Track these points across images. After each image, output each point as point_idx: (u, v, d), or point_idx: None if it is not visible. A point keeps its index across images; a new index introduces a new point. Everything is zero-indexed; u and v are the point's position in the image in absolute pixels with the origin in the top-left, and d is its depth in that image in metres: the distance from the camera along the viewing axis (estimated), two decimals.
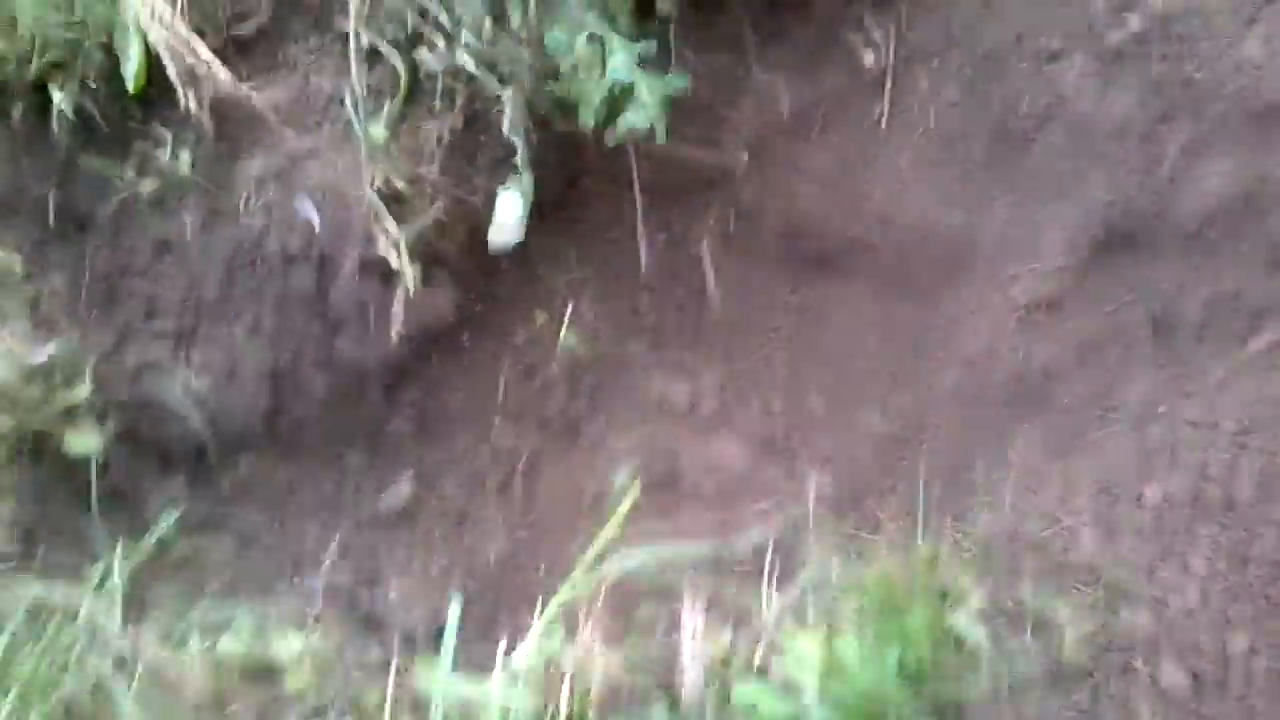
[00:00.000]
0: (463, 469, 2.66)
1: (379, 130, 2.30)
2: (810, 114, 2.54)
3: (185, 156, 2.40)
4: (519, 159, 2.41)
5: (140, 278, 2.45)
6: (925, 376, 2.33)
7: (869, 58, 2.46)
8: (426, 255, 2.43)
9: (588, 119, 2.30)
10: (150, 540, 1.96)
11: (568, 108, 2.36)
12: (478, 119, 2.47)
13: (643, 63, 2.22)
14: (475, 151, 2.53)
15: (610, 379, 2.76)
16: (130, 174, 2.42)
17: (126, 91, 2.34)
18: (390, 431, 2.64)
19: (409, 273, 2.26)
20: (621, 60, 2.19)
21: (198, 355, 2.42)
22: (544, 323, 2.84)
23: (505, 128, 2.36)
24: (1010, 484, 1.67)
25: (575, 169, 2.66)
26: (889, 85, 2.46)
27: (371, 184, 2.29)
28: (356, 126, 2.30)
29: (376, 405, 2.60)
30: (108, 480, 2.26)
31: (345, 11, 2.31)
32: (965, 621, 1.40)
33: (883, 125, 2.46)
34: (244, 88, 2.32)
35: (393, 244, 2.27)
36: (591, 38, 2.21)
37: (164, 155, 2.40)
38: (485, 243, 2.53)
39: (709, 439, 2.55)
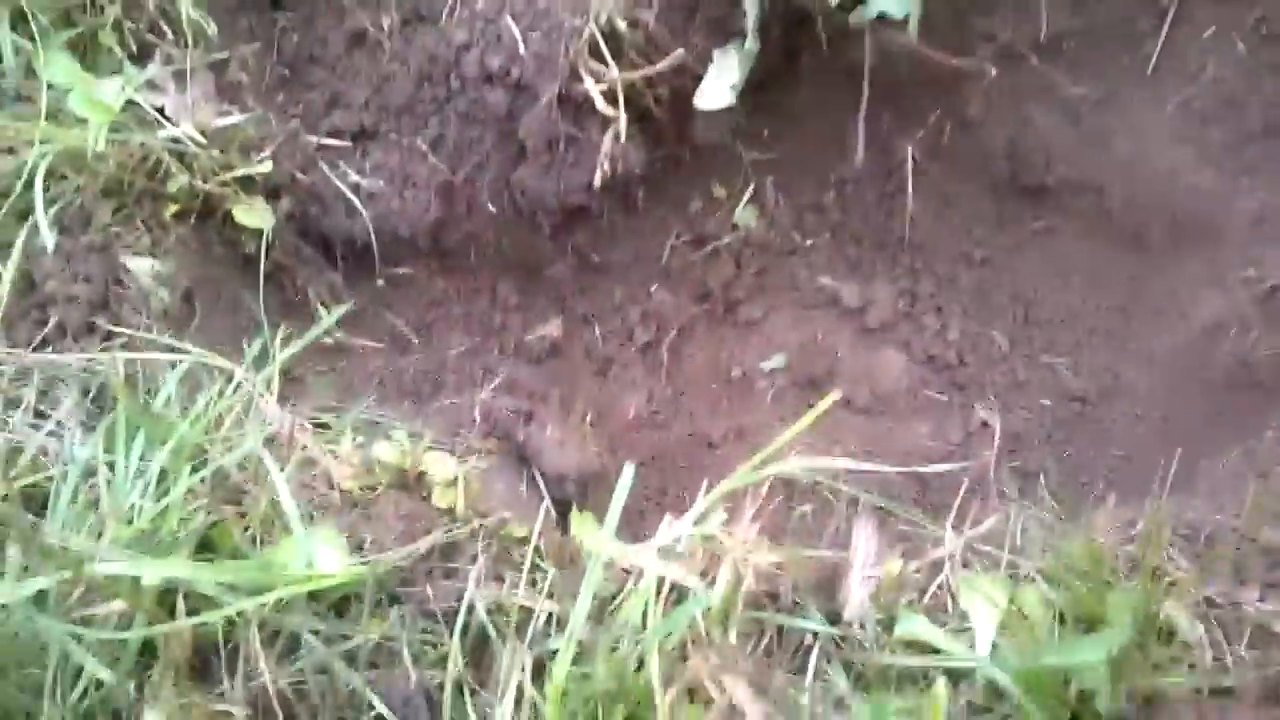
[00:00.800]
0: (614, 322, 2.58)
1: None
2: (1071, 37, 2.30)
3: None
4: (749, 21, 2.23)
5: (329, 69, 2.37)
6: (1133, 339, 2.15)
7: None
8: (627, 103, 2.29)
9: None
10: (314, 333, 1.91)
11: None
12: None
13: None
14: (697, 5, 2.35)
15: (779, 266, 2.63)
16: None
17: None
18: (549, 273, 2.56)
19: (622, 118, 2.12)
20: None
21: (376, 155, 2.34)
22: (721, 196, 2.71)
23: None
24: (1241, 477, 1.52)
25: (800, 45, 2.47)
26: (1167, 23, 2.20)
27: (596, 19, 2.14)
28: None
29: (541, 243, 2.51)
30: (271, 260, 2.22)
31: None
32: (1178, 613, 1.28)
33: (1151, 66, 2.21)
34: None
35: (605, 86, 2.13)
36: None
37: None
38: (688, 101, 2.37)
39: (875, 348, 2.42)
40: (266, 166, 2.18)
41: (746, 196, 2.68)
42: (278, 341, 1.88)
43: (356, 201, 2.29)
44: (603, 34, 2.19)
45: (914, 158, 2.57)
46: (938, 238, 2.51)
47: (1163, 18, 2.20)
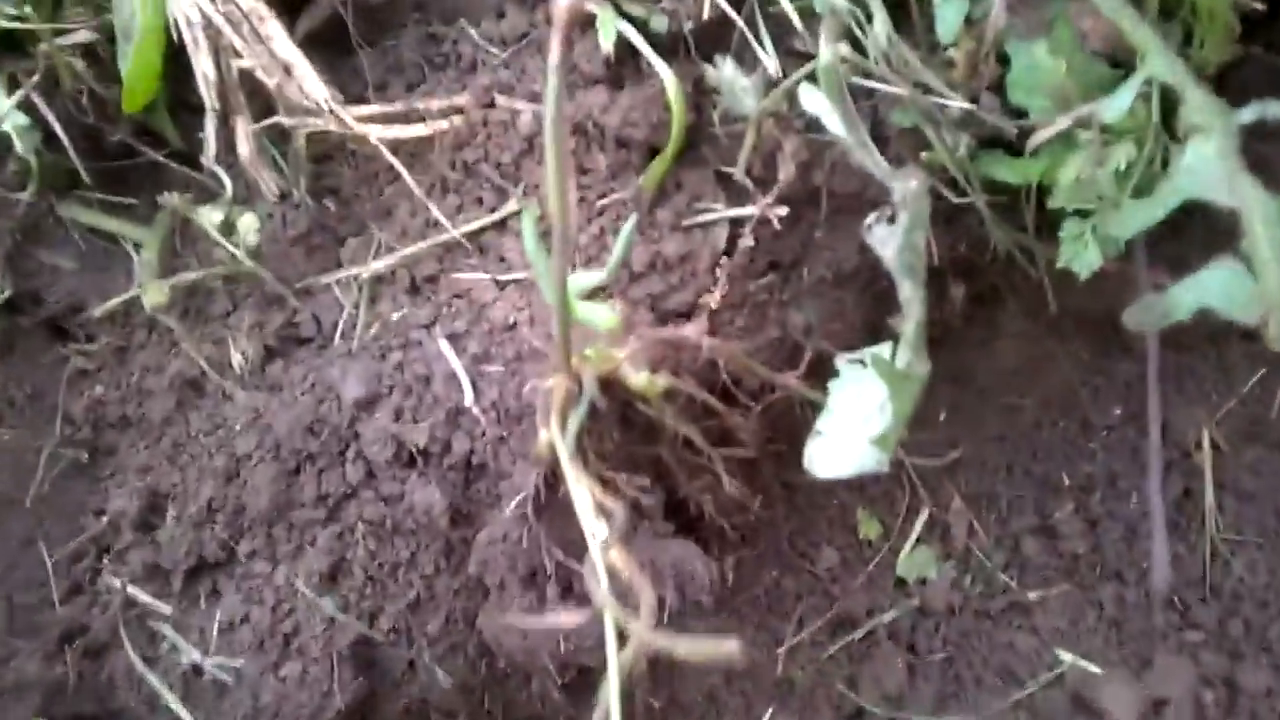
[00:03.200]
0: None
1: None
2: None
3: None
4: (909, 324, 1.14)
5: (147, 443, 1.33)
6: None
7: None
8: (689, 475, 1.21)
9: None
10: None
11: None
12: None
13: None
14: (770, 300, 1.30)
15: (986, 637, 1.47)
16: None
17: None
18: None
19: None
20: None
21: (230, 603, 1.28)
22: (874, 536, 1.59)
23: None
24: None
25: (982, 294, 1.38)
26: None
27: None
28: None
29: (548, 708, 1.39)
30: None
31: None
32: None
33: None
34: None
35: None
36: None
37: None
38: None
39: None
40: None
41: (917, 530, 1.57)
42: None
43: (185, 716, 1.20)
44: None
45: (1213, 441, 1.46)
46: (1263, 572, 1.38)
47: None
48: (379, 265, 1.26)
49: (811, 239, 1.31)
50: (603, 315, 0.89)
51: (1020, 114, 1.08)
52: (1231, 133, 0.95)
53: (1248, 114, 0.98)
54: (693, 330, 1.11)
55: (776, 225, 1.23)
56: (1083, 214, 1.06)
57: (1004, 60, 1.06)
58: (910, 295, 1.08)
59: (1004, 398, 1.66)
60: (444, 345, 1.21)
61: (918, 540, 1.65)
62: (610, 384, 1.05)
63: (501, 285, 1.23)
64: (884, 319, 1.51)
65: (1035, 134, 1.07)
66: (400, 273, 1.27)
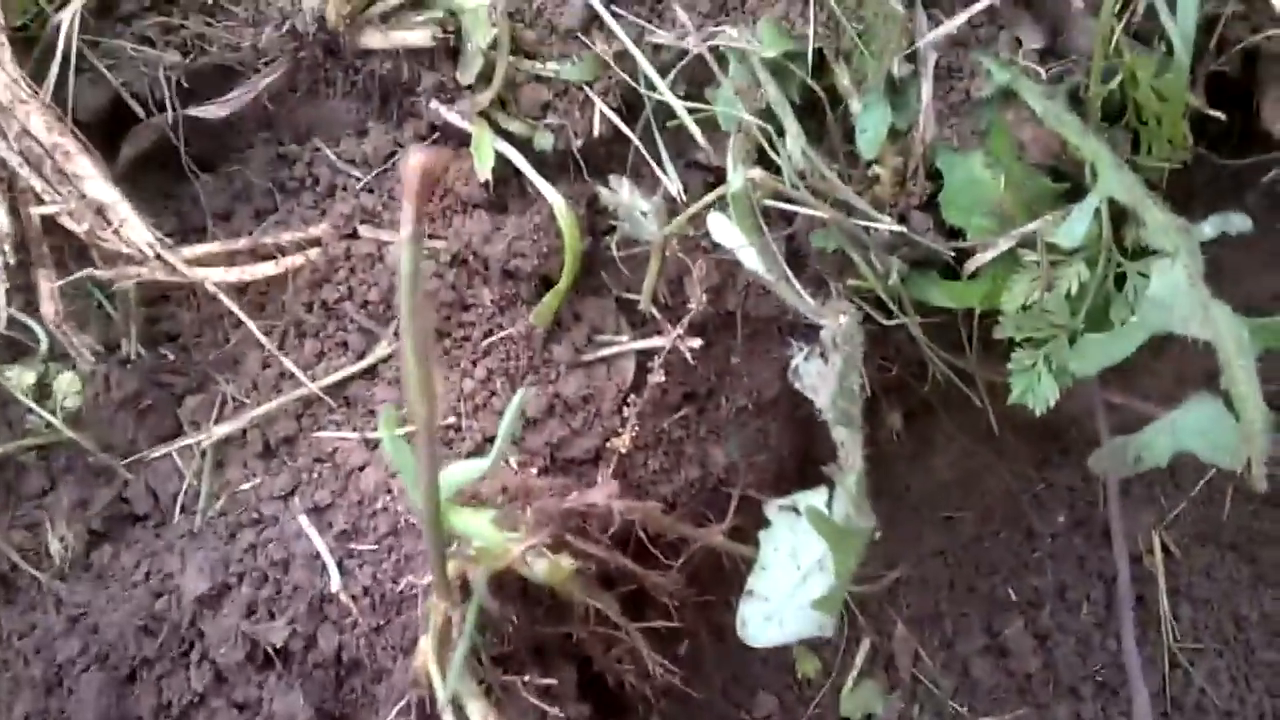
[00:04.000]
0: None
1: None
2: None
3: None
4: (849, 474, 1.00)
5: None
6: None
7: None
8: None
9: None
10: None
11: None
12: None
13: None
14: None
15: None
16: None
17: None
18: None
19: None
20: None
21: None
22: (813, 673, 1.43)
23: None
24: None
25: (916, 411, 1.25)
26: None
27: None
28: None
29: None
30: None
31: None
32: None
33: None
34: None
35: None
36: None
37: None
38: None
39: None
40: None
41: (859, 663, 1.45)
42: None
43: None
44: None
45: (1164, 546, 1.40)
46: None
47: None
48: (225, 427, 1.06)
49: (728, 367, 1.17)
50: (484, 531, 0.72)
51: (956, 233, 0.96)
52: (1196, 254, 0.84)
53: (1209, 229, 0.88)
54: (601, 494, 0.94)
55: (688, 356, 1.08)
56: (1034, 341, 0.94)
57: (935, 175, 0.94)
58: (847, 444, 0.94)
59: (942, 511, 1.55)
60: (304, 521, 1.02)
61: (860, 674, 1.51)
62: (506, 570, 0.88)
63: (372, 445, 1.05)
64: (813, 446, 1.38)
65: (974, 256, 0.95)
66: (251, 434, 1.07)
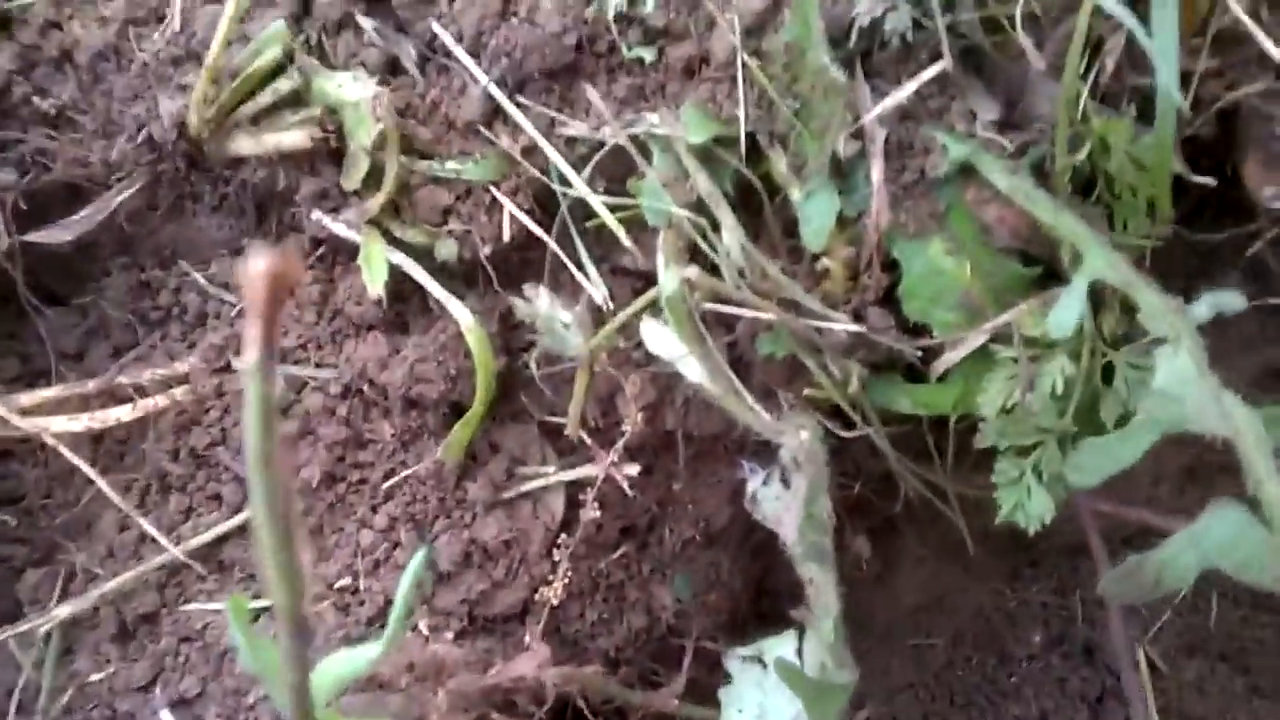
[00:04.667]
0: None
1: None
2: None
3: None
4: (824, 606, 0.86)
5: None
6: None
7: None
8: None
9: None
10: None
11: None
12: None
13: None
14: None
15: None
16: None
17: None
18: None
19: None
20: None
21: None
22: None
23: None
24: None
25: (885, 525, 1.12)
26: None
27: None
28: None
29: None
30: None
31: None
32: None
33: None
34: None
35: None
36: None
37: None
38: None
39: None
40: None
41: None
42: None
43: None
44: None
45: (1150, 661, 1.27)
46: None
47: None
48: (73, 606, 0.88)
49: (670, 495, 1.02)
50: None
51: (919, 330, 0.84)
52: (1197, 340, 0.74)
53: (1205, 310, 0.78)
54: (530, 664, 0.78)
55: (625, 485, 0.94)
56: (1018, 449, 0.82)
57: (892, 266, 0.83)
58: (819, 582, 0.80)
59: (911, 639, 1.40)
60: (167, 717, 0.83)
61: None
62: None
63: (254, 616, 0.87)
64: (767, 576, 1.24)
65: (942, 355, 0.83)
66: (105, 612, 0.89)
